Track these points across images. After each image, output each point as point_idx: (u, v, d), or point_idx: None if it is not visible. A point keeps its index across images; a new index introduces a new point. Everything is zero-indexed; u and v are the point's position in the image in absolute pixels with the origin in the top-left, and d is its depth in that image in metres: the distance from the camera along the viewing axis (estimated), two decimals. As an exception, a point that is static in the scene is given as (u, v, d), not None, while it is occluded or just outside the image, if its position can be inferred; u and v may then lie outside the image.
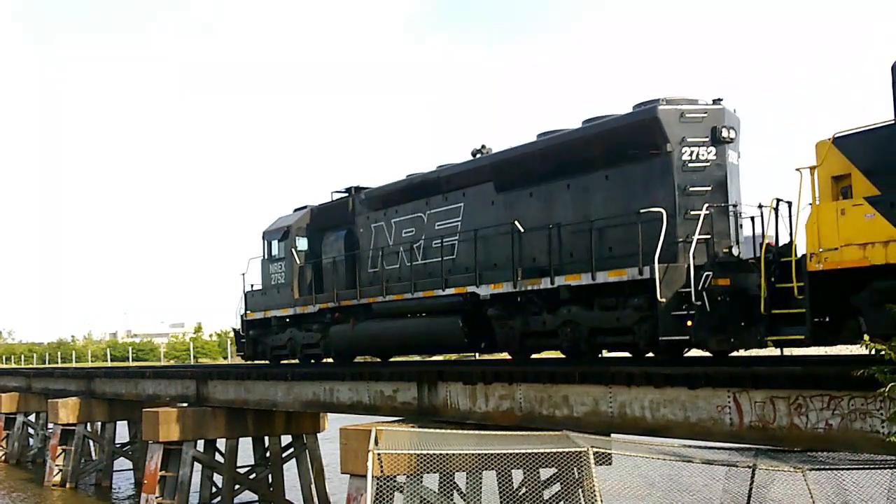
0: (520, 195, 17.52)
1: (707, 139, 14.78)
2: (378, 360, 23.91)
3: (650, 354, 15.36)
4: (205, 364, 28.00)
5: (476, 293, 17.63)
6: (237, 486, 24.43)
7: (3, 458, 40.20)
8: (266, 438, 24.88)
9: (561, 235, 16.18)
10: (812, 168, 11.71)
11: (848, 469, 12.80)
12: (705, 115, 14.87)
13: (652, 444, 12.96)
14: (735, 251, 14.20)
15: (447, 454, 13.85)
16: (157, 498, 23.04)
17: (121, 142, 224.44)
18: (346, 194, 23.11)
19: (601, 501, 12.75)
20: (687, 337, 13.74)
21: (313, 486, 24.70)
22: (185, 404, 24.74)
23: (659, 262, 13.88)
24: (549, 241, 16.29)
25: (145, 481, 23.71)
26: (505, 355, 18.80)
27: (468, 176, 18.86)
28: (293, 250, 23.89)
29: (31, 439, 40.30)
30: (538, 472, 16.65)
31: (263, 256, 25.19)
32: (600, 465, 13.09)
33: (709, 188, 14.62)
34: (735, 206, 14.45)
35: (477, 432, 14.54)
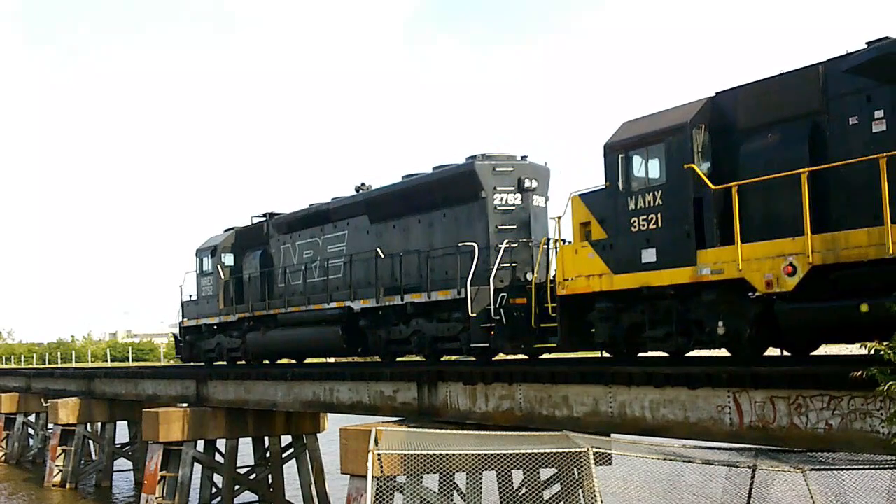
0: (386, 226, 21.40)
1: (514, 188, 18.64)
2: (293, 360, 26.93)
3: (472, 357, 18.70)
4: (205, 364, 28.18)
5: (351, 307, 21.37)
6: (237, 487, 24.44)
7: (3, 458, 40.21)
8: (266, 438, 24.90)
9: (410, 261, 19.97)
10: (558, 218, 16.02)
11: (848, 469, 12.79)
12: (513, 168, 18.72)
13: (652, 444, 12.96)
14: (529, 276, 17.14)
15: (447, 454, 13.85)
16: (157, 498, 23.04)
17: (121, 142, 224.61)
18: (263, 218, 27.09)
19: (601, 501, 12.75)
20: (488, 344, 17.43)
21: (313, 487, 24.71)
22: (185, 404, 24.75)
23: (471, 285, 17.63)
24: (401, 265, 20.11)
25: (145, 481, 23.72)
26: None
27: (350, 209, 22.74)
28: (219, 266, 27.86)
29: (31, 440, 40.31)
30: (538, 473, 16.65)
31: (196, 271, 29.19)
32: (600, 465, 13.08)
33: (515, 227, 18.45)
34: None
35: (477, 432, 14.54)
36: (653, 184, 14.02)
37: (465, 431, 14.82)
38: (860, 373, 9.39)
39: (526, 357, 18.43)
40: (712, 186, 13.00)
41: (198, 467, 23.81)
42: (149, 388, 28.20)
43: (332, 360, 28.56)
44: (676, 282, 13.35)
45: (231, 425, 23.66)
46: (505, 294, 17.41)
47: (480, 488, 15.40)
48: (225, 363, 27.67)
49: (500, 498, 17.09)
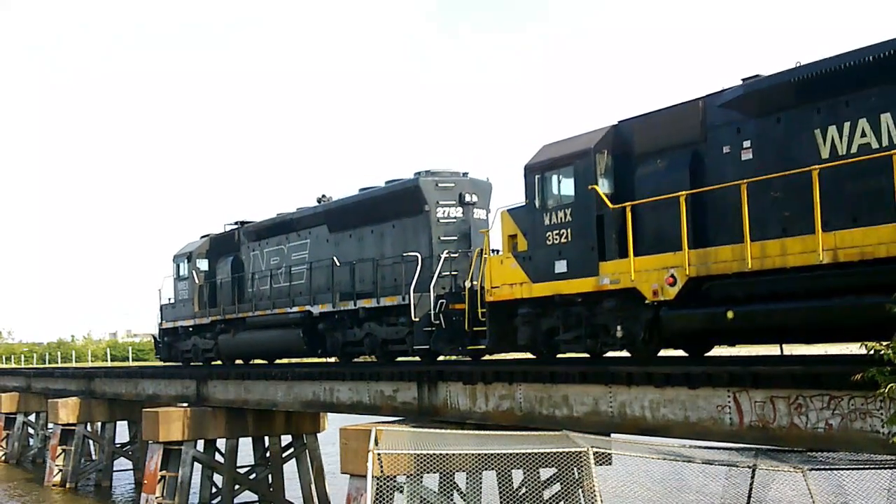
0: (343, 236, 22.99)
1: (455, 202, 20.13)
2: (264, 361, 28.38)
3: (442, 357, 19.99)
4: (204, 364, 28.40)
5: (311, 311, 22.79)
6: (237, 486, 24.43)
7: (3, 458, 40.20)
8: (266, 438, 24.89)
9: (363, 268, 21.52)
10: (487, 231, 17.86)
11: (848, 469, 12.80)
12: (454, 184, 20.22)
13: (652, 444, 12.96)
14: (468, 284, 17.98)
15: (447, 454, 13.85)
16: (157, 498, 23.04)
17: (120, 142, 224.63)
18: (235, 226, 28.54)
19: (601, 501, 12.75)
20: (428, 346, 18.78)
21: (313, 486, 24.71)
22: (185, 404, 24.75)
23: (414, 292, 19.02)
24: (354, 272, 21.66)
25: (145, 481, 23.72)
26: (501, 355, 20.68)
27: (312, 219, 24.29)
28: (194, 272, 29.28)
29: (31, 439, 40.31)
30: (538, 472, 16.65)
31: (174, 276, 30.66)
32: (600, 465, 13.08)
33: (456, 238, 19.93)
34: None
35: (477, 432, 14.54)
36: (564, 202, 15.48)
37: (465, 431, 14.82)
38: (860, 375, 9.39)
39: (523, 357, 18.63)
40: (611, 205, 14.45)
41: (198, 467, 23.80)
42: (149, 388, 28.21)
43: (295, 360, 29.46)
44: (583, 290, 14.84)
45: (231, 425, 23.66)
46: (444, 300, 18.83)
47: (480, 488, 15.40)
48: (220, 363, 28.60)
49: (500, 498, 17.09)
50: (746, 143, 13.00)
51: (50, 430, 34.67)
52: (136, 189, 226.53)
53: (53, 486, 31.97)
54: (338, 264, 22.34)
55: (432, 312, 18.71)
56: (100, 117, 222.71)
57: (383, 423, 16.15)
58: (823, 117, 12.05)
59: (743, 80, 13.38)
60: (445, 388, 16.21)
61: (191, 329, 29.47)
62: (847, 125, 11.77)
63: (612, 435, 13.71)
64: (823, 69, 12.08)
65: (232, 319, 26.79)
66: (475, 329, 17.25)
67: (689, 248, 12.93)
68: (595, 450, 12.37)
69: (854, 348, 11.02)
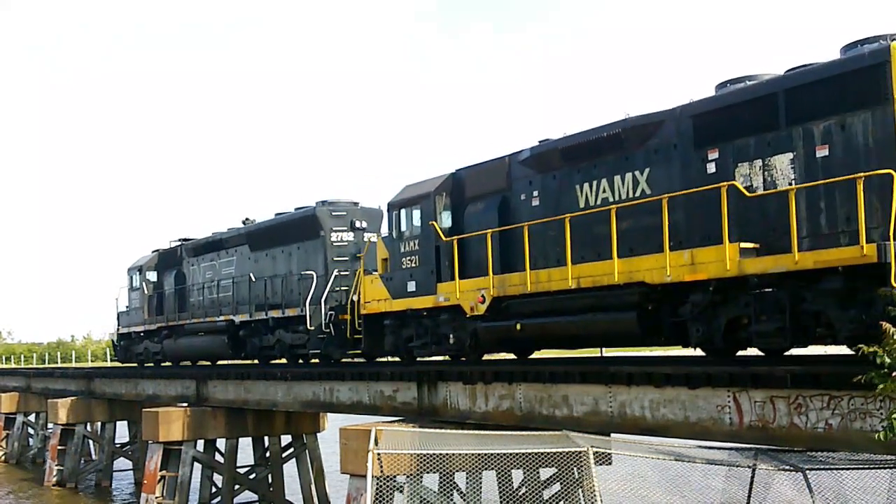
0: (261, 254, 26.32)
1: (347, 227, 23.66)
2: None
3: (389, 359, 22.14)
4: (204, 364, 28.75)
5: (234, 320, 26.29)
6: (237, 486, 24.44)
7: (3, 458, 40.25)
8: (266, 438, 24.90)
9: (274, 283, 24.93)
10: (362, 255, 21.31)
11: (848, 469, 12.80)
12: (346, 212, 23.78)
13: (652, 443, 12.96)
14: (355, 298, 21.03)
15: (447, 454, 13.86)
16: (157, 498, 23.05)
17: (120, 142, 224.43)
18: (179, 243, 32.15)
19: (601, 501, 12.75)
20: (320, 350, 22.40)
21: (313, 486, 24.71)
22: (184, 404, 24.75)
23: (309, 305, 22.44)
24: (266, 287, 25.18)
25: (145, 481, 23.73)
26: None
27: (237, 239, 27.70)
28: (144, 283, 32.89)
29: (31, 439, 40.34)
30: (538, 472, 16.66)
31: (128, 286, 34.41)
32: (600, 465, 13.08)
33: (347, 258, 23.22)
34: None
35: (477, 432, 14.54)
36: (414, 234, 18.83)
37: (465, 431, 14.82)
38: (860, 377, 9.40)
39: (516, 357, 18.97)
40: (444, 238, 17.75)
41: (198, 467, 23.81)
42: (149, 388, 28.23)
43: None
44: (426, 306, 18.19)
45: (231, 425, 23.67)
46: (334, 311, 22.29)
47: (480, 488, 15.41)
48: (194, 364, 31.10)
49: (500, 498, 17.09)
50: (535, 193, 16.31)
51: (50, 430, 34.70)
52: (136, 189, 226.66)
53: (53, 486, 31.99)
54: (254, 279, 25.90)
55: (323, 322, 22.23)
56: (100, 117, 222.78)
57: (383, 423, 16.15)
58: (581, 176, 15.38)
59: (539, 141, 16.63)
60: (445, 388, 16.22)
61: (142, 334, 33.16)
62: (595, 183, 15.08)
63: (612, 435, 13.70)
64: (580, 140, 15.41)
65: (174, 326, 30.45)
66: (355, 336, 20.71)
67: (494, 274, 16.26)
68: (595, 450, 12.37)
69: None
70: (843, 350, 11.73)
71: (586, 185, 15.19)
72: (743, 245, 12.31)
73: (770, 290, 12.14)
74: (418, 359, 19.35)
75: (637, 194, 14.27)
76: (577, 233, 14.74)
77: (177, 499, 22.86)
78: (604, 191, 14.84)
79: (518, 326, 15.75)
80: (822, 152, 11.92)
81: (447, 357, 18.80)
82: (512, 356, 18.74)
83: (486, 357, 18.74)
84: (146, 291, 32.69)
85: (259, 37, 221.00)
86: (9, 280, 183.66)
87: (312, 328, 22.39)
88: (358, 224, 23.77)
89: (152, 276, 33.04)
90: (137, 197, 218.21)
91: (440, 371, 16.61)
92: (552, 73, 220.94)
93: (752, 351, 13.51)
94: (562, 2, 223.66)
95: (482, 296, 16.42)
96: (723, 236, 12.29)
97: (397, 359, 20.47)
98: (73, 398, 32.24)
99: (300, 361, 24.26)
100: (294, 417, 24.17)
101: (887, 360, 9.08)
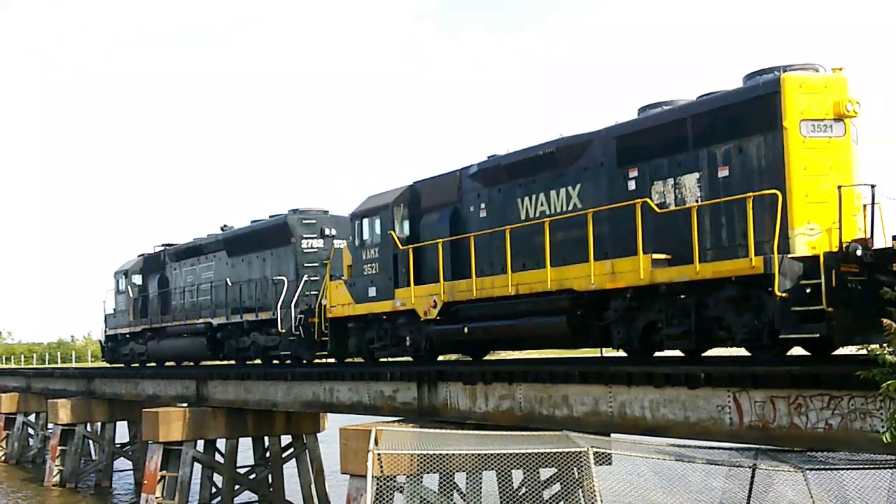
0: (237, 260, 27.57)
1: (317, 235, 24.76)
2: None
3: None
4: (205, 364, 28.94)
5: (212, 322, 27.62)
6: (237, 486, 24.44)
7: (3, 458, 40.23)
8: (266, 438, 24.89)
9: (249, 288, 26.28)
10: (328, 262, 22.64)
11: (848, 469, 12.79)
12: (316, 221, 24.95)
13: (652, 444, 12.96)
14: (323, 302, 22.17)
15: (447, 454, 13.85)
16: (157, 498, 23.05)
17: (120, 142, 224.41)
18: (162, 248, 33.37)
19: (601, 501, 12.76)
20: (290, 351, 23.67)
21: (313, 486, 24.71)
22: (185, 404, 24.75)
23: (280, 308, 23.64)
24: (241, 291, 26.57)
25: (145, 481, 23.73)
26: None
27: (216, 245, 28.98)
28: (130, 287, 34.15)
29: (31, 439, 40.31)
30: (538, 472, 16.65)
31: (115, 290, 35.74)
32: (600, 465, 13.08)
33: (316, 264, 24.21)
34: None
35: (477, 432, 14.53)
36: (374, 242, 19.95)
37: (465, 431, 14.81)
38: (862, 374, 9.41)
39: (523, 357, 19.24)
40: (401, 247, 18.86)
41: (198, 467, 23.80)
42: (149, 388, 28.24)
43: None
44: (385, 310, 19.35)
45: (231, 425, 23.67)
46: (304, 315, 23.26)
47: (480, 488, 15.41)
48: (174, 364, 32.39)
49: (500, 498, 17.08)
50: (483, 205, 17.48)
51: (50, 431, 34.70)
52: (135, 189, 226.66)
53: (53, 486, 31.98)
54: (230, 284, 27.11)
55: (293, 325, 23.39)
56: (100, 117, 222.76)
57: (383, 423, 16.15)
58: (522, 190, 16.58)
59: (488, 157, 17.80)
60: (445, 388, 16.22)
61: (128, 336, 34.55)
62: (534, 197, 16.28)
63: (612, 435, 13.70)
64: (522, 157, 16.58)
65: (157, 328, 31.80)
66: (323, 338, 21.88)
67: (445, 281, 17.38)
68: (595, 450, 12.37)
69: (853, 348, 11.09)
70: (844, 350, 11.76)
71: (527, 199, 16.52)
72: (655, 256, 13.46)
73: (680, 297, 13.33)
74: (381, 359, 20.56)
75: (570, 208, 15.51)
76: (517, 243, 16.01)
77: (177, 499, 22.85)
78: (542, 204, 16.18)
79: (466, 330, 16.99)
80: (723, 173, 13.19)
81: (410, 358, 19.57)
82: (509, 357, 18.97)
83: (440, 357, 20.14)
84: (131, 295, 34.00)
85: (259, 37, 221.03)
86: (9, 280, 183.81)
87: (283, 331, 23.58)
88: (327, 231, 24.87)
89: (137, 279, 34.28)
90: (137, 197, 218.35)
91: (440, 371, 16.61)
92: (552, 73, 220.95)
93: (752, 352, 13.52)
94: (562, 2, 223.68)
95: (434, 301, 17.61)
96: (638, 248, 13.49)
97: (361, 359, 21.64)
98: (73, 398, 32.23)
99: (274, 362, 25.28)
100: (294, 417, 24.16)
101: (891, 358, 9.09)
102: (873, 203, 12.47)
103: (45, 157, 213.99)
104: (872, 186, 12.51)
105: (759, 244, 12.07)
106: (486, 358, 19.61)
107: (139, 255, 35.22)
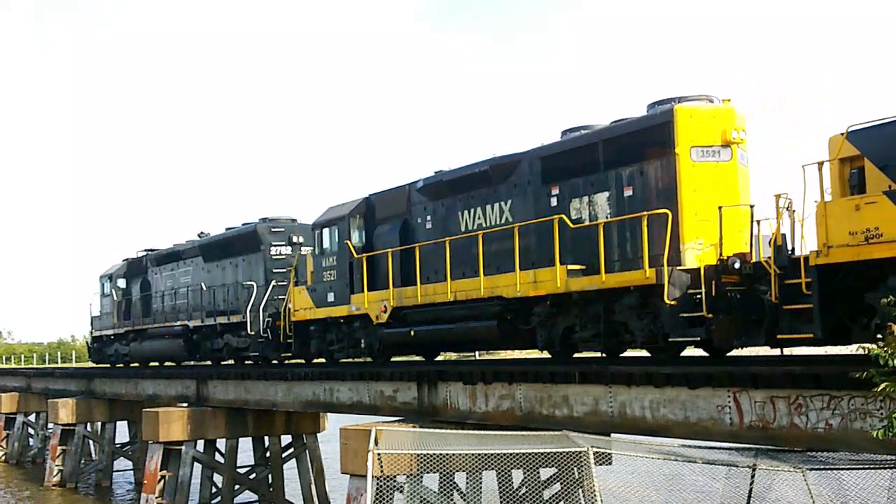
0: (212, 265, 29.04)
1: (285, 242, 26.32)
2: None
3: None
4: (205, 364, 29.01)
5: (188, 325, 29.10)
6: (237, 486, 24.42)
7: (3, 458, 40.19)
8: (266, 438, 24.88)
9: (222, 292, 27.67)
10: (293, 269, 23.75)
11: (848, 469, 12.79)
12: (284, 229, 26.47)
13: (652, 443, 12.96)
14: (289, 306, 23.53)
15: (447, 454, 13.85)
16: (157, 498, 23.03)
17: (120, 142, 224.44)
18: (144, 253, 34.98)
19: (601, 501, 12.75)
20: (258, 353, 25.24)
21: (313, 486, 24.69)
22: (185, 404, 24.75)
23: (250, 312, 25.21)
24: (215, 295, 27.94)
25: (145, 481, 23.72)
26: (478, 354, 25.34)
27: (193, 251, 30.47)
28: (114, 290, 35.59)
29: (31, 439, 40.28)
30: (538, 472, 16.66)
31: (100, 293, 37.10)
32: (600, 465, 13.08)
33: (284, 270, 25.42)
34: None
35: (477, 432, 14.53)
36: (332, 251, 21.40)
37: (465, 431, 14.81)
38: (859, 373, 9.42)
39: (523, 357, 19.49)
40: (356, 255, 20.36)
41: (198, 467, 23.79)
42: (149, 388, 28.22)
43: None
44: (342, 314, 20.87)
45: (231, 425, 23.65)
46: (271, 318, 24.71)
47: (480, 488, 15.41)
48: (173, 364, 33.06)
49: (500, 498, 17.08)
50: (429, 218, 18.90)
51: (50, 430, 34.65)
52: (135, 189, 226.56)
53: (53, 486, 31.94)
54: (205, 288, 28.49)
55: (261, 327, 24.81)
56: (100, 118, 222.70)
57: (383, 423, 16.14)
58: (462, 204, 18.07)
59: (434, 172, 19.05)
60: (445, 388, 16.21)
61: (112, 337, 36.07)
62: (472, 210, 17.78)
63: (612, 435, 13.70)
64: (462, 173, 18.10)
65: (139, 330, 33.27)
66: (287, 340, 23.27)
67: (395, 287, 18.90)
68: (595, 450, 12.37)
69: (853, 348, 11.07)
70: (844, 350, 11.76)
71: (466, 213, 18.05)
72: (570, 267, 15.05)
73: (592, 303, 14.81)
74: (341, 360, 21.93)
75: (503, 222, 17.04)
76: (456, 253, 17.61)
77: (177, 499, 22.85)
78: (479, 218, 17.70)
79: (412, 333, 18.38)
80: (628, 192, 14.82)
81: (367, 359, 20.91)
82: (509, 357, 19.14)
83: (393, 358, 21.34)
84: (115, 298, 35.40)
85: (258, 38, 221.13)
86: (9, 280, 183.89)
87: (252, 333, 25.02)
88: (295, 239, 26.34)
89: (121, 283, 35.72)
90: (136, 197, 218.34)
91: (440, 371, 16.60)
92: (552, 73, 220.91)
93: (753, 351, 13.55)
94: (562, 4, 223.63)
95: (384, 306, 19.07)
96: (555, 259, 15.10)
97: (323, 360, 23.07)
98: (73, 398, 32.22)
99: (247, 362, 26.97)
100: (294, 417, 24.14)
101: (892, 362, 9.10)
102: (752, 221, 13.78)
103: (45, 157, 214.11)
104: (752, 206, 13.92)
105: (655, 257, 13.49)
106: (486, 358, 19.78)
107: (123, 260, 36.49)
